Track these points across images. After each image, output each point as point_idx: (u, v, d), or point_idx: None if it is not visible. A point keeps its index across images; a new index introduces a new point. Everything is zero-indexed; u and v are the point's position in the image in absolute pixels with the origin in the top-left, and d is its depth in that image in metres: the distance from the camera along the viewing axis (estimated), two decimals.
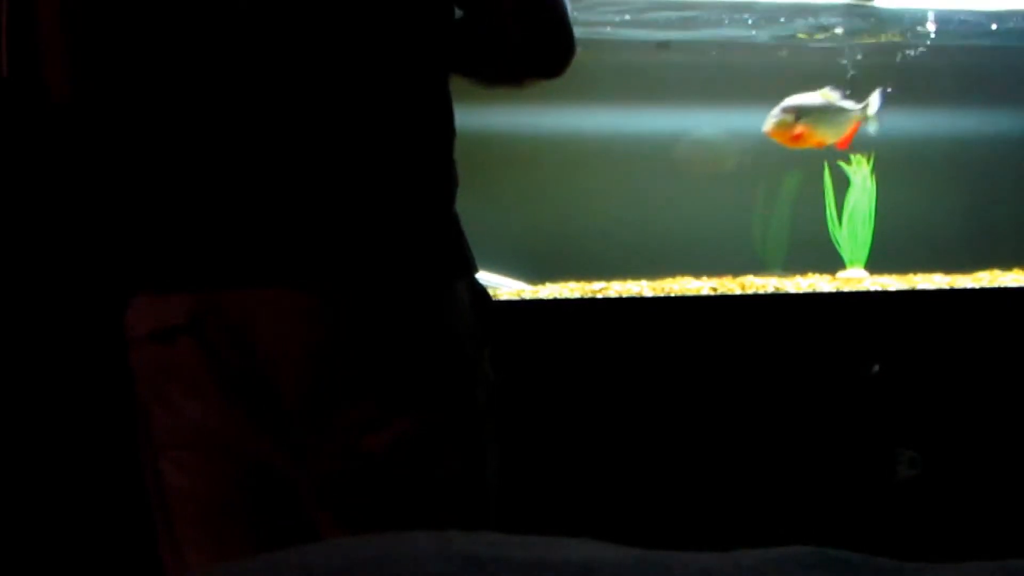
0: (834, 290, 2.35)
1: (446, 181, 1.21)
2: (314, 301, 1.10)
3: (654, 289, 2.31)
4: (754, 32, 2.52)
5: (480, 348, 1.22)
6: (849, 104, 2.40)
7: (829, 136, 2.37)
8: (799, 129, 2.32)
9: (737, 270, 2.50)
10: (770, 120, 2.34)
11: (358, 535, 0.95)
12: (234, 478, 1.15)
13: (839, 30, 2.56)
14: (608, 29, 2.34)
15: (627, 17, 2.33)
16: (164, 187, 1.14)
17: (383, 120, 1.15)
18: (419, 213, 1.17)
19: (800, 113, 2.33)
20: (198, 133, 1.12)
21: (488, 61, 1.24)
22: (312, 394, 1.11)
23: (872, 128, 2.40)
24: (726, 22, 2.47)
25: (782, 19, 2.51)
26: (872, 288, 2.36)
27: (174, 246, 1.14)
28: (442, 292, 1.17)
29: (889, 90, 2.40)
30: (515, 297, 2.24)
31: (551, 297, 2.25)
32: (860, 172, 2.52)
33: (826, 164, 2.53)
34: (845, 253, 2.54)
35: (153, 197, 1.15)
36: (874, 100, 2.41)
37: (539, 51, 1.22)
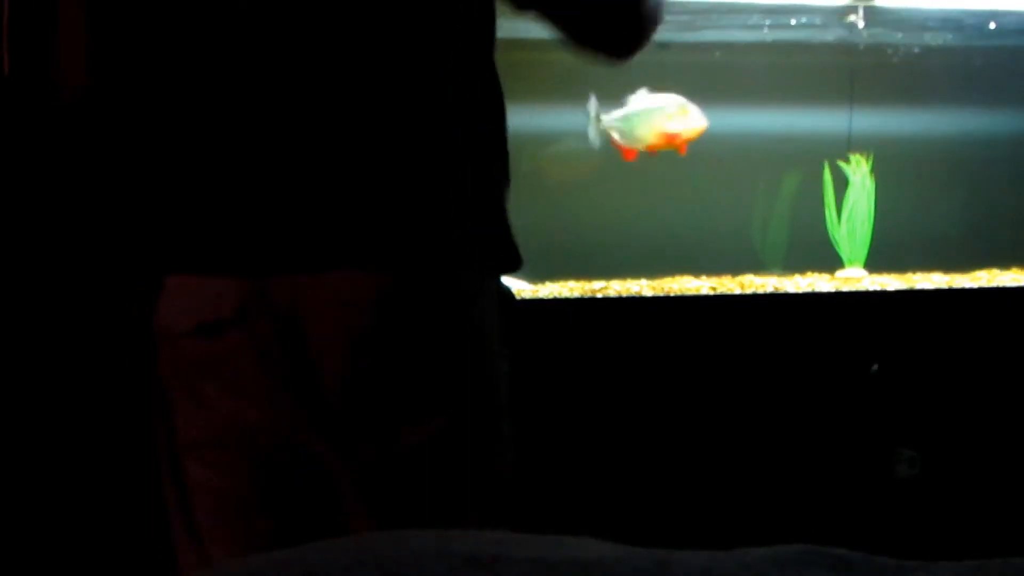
0: (833, 289, 2.35)
1: (497, 176, 1.20)
2: (360, 290, 1.10)
3: (654, 288, 2.32)
4: (754, 32, 2.53)
5: (505, 347, 1.22)
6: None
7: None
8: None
9: (736, 269, 2.50)
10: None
11: (388, 528, 0.95)
12: (266, 474, 1.14)
13: (839, 30, 2.56)
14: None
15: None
16: (206, 174, 1.13)
17: (434, 111, 1.14)
18: (469, 207, 1.16)
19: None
20: (247, 120, 1.11)
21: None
22: (355, 384, 1.11)
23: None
24: (726, 22, 2.47)
25: (782, 19, 2.51)
26: (871, 287, 2.37)
27: (222, 231, 1.12)
28: (482, 288, 1.17)
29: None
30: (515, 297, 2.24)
31: (551, 296, 2.25)
32: (859, 171, 2.52)
33: (826, 164, 2.53)
34: (844, 252, 2.54)
35: (193, 185, 1.14)
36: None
37: (600, 33, 1.21)
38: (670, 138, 2.25)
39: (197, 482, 1.16)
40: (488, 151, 1.19)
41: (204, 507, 1.17)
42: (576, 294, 2.27)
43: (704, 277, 2.44)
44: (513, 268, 1.21)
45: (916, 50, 2.65)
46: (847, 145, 2.59)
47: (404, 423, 1.13)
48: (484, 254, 1.18)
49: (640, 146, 2.26)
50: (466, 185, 1.16)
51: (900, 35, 2.62)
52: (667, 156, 2.50)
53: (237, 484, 1.15)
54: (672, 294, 2.28)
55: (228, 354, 1.11)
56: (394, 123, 1.12)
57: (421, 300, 1.12)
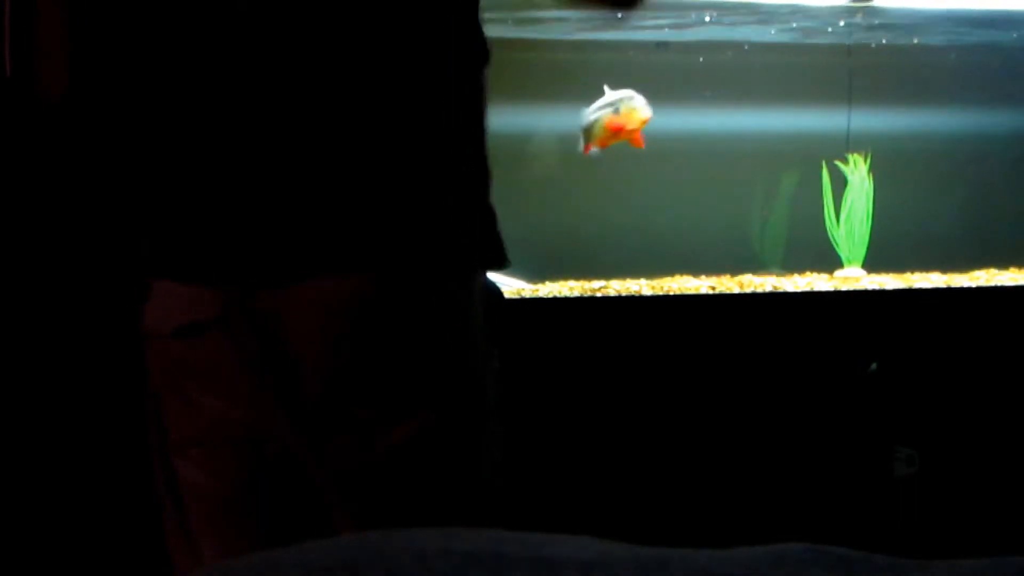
0: (832, 289, 2.35)
1: (475, 174, 1.20)
2: (339, 294, 1.10)
3: (653, 288, 2.32)
4: (753, 32, 2.53)
5: (493, 345, 1.22)
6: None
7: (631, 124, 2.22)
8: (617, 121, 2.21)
9: (735, 269, 2.50)
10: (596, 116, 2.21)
11: (371, 529, 0.96)
12: (252, 473, 1.15)
13: (839, 30, 2.56)
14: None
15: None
16: (192, 184, 1.14)
17: (409, 114, 1.14)
18: (446, 206, 1.17)
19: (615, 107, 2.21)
20: (227, 129, 1.12)
21: None
22: (335, 386, 1.11)
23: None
24: (726, 22, 2.47)
25: (782, 19, 2.51)
26: (870, 287, 2.37)
27: (204, 242, 1.13)
28: (463, 287, 1.17)
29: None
30: (515, 296, 2.25)
31: (551, 296, 2.25)
32: (858, 171, 2.52)
33: (824, 163, 2.53)
34: (843, 252, 2.54)
35: (179, 194, 1.15)
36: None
37: None
38: (615, 131, 2.23)
39: (186, 481, 1.17)
40: (465, 149, 1.19)
41: (194, 506, 1.17)
42: (576, 294, 2.27)
43: (703, 277, 2.45)
44: (499, 265, 1.21)
45: (915, 50, 2.66)
46: (846, 145, 2.59)
47: (384, 422, 1.13)
48: (464, 252, 1.18)
49: (595, 142, 2.25)
50: (443, 184, 1.17)
51: (900, 35, 2.62)
52: (667, 156, 2.51)
53: (224, 483, 1.16)
54: (671, 293, 2.28)
55: (208, 355, 1.12)
56: (369, 125, 1.12)
57: (398, 300, 1.12)
